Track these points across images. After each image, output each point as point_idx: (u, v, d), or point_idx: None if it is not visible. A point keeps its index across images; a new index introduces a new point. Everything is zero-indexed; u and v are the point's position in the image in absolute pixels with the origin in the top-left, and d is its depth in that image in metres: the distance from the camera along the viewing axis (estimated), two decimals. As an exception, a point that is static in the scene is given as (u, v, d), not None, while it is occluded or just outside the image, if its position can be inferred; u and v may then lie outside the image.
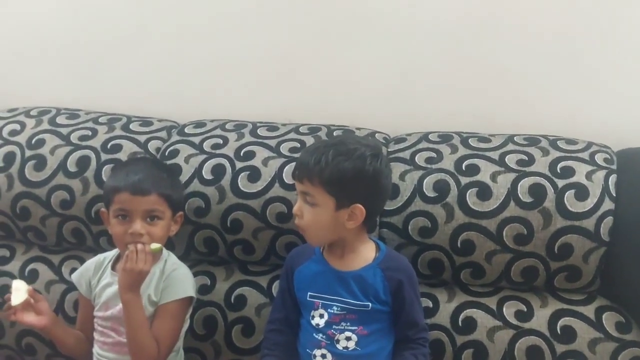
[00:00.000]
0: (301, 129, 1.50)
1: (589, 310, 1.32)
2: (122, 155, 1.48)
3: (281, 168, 1.41)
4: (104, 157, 1.48)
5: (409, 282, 1.26)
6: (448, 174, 1.36)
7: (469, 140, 1.42)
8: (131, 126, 1.55)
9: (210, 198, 1.41)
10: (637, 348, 1.28)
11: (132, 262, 1.23)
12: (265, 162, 1.42)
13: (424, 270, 1.37)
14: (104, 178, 1.45)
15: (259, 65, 1.59)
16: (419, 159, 1.40)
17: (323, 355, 1.24)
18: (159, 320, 1.29)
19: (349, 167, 1.19)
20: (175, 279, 1.31)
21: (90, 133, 1.53)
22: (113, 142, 1.50)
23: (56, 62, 1.69)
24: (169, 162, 1.46)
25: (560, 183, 1.31)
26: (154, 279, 1.31)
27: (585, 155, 1.36)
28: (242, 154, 1.44)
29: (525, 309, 1.33)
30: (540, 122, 1.46)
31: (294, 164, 1.39)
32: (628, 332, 1.29)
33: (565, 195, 1.30)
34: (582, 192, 1.30)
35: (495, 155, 1.37)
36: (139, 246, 1.24)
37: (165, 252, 1.36)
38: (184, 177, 1.43)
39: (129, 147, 1.50)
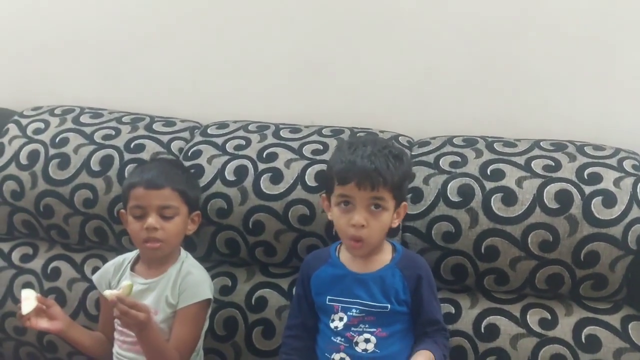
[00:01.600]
0: (324, 131, 1.49)
1: (614, 320, 1.30)
2: (145, 155, 1.48)
3: (304, 170, 1.40)
4: (127, 156, 1.48)
5: (427, 279, 1.25)
6: (472, 179, 1.34)
7: (494, 145, 1.40)
8: (154, 126, 1.55)
9: (233, 199, 1.41)
10: (664, 359, 1.26)
11: (127, 321, 1.21)
12: (287, 164, 1.42)
13: (447, 275, 1.36)
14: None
15: (282, 67, 1.59)
16: (443, 163, 1.39)
17: (342, 359, 1.23)
18: (178, 325, 1.29)
19: (405, 168, 1.25)
20: (193, 282, 1.31)
21: (113, 132, 1.53)
22: (136, 141, 1.51)
23: (81, 61, 1.70)
24: (191, 162, 1.46)
25: (587, 189, 1.30)
26: (171, 281, 1.31)
27: (613, 161, 1.34)
28: (264, 155, 1.44)
29: (550, 317, 1.31)
30: (567, 127, 1.44)
31: (317, 166, 1.40)
32: (655, 343, 1.28)
33: (592, 202, 1.29)
34: (609, 199, 1.28)
35: (520, 160, 1.36)
36: (120, 308, 1.18)
37: (183, 253, 1.36)
38: (206, 178, 1.43)
39: (151, 147, 1.50)
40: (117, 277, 1.36)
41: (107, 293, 1.21)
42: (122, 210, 1.35)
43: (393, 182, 1.19)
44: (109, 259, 1.45)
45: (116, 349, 1.34)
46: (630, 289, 1.30)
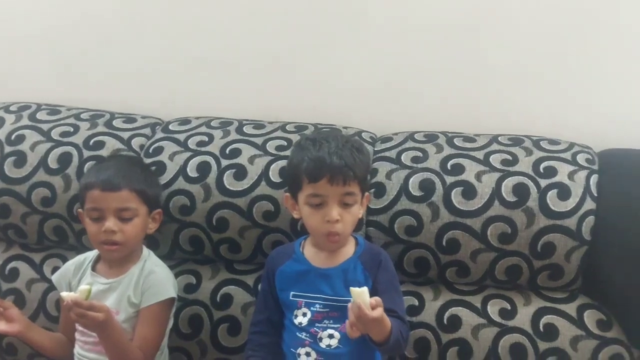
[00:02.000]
0: (288, 127, 1.49)
1: (571, 308, 1.34)
2: (105, 152, 1.46)
3: (268, 166, 1.40)
4: (86, 153, 1.46)
5: (386, 270, 1.26)
6: (433, 173, 1.37)
7: (454, 140, 1.43)
8: (114, 123, 1.53)
9: (196, 196, 1.40)
10: (618, 345, 1.31)
11: (84, 323, 1.19)
12: (251, 160, 1.42)
13: (410, 268, 1.38)
14: (87, 175, 1.44)
15: (246, 62, 1.58)
16: (405, 158, 1.40)
17: (307, 354, 1.24)
18: (142, 324, 1.28)
19: (367, 160, 1.29)
20: (155, 281, 1.30)
21: (72, 129, 1.50)
22: (95, 138, 1.48)
23: (37, 57, 1.66)
24: (152, 159, 1.44)
25: (543, 183, 1.34)
26: (133, 280, 1.29)
27: (567, 155, 1.38)
28: (227, 151, 1.43)
29: (509, 307, 1.35)
30: (525, 122, 1.48)
31: (281, 162, 1.40)
32: (609, 330, 1.32)
33: (548, 195, 1.32)
34: (564, 192, 1.33)
35: (480, 154, 1.39)
36: (77, 312, 1.16)
37: (145, 251, 1.34)
38: (168, 175, 1.42)
39: (111, 144, 1.47)
40: (77, 277, 1.34)
41: (64, 295, 1.18)
42: (80, 210, 1.32)
43: (360, 174, 1.22)
44: (69, 258, 1.42)
45: (77, 349, 1.32)
46: (585, 279, 1.35)
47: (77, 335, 1.32)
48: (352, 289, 1.12)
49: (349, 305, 1.13)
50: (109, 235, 1.25)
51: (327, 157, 1.19)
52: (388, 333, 1.15)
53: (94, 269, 1.33)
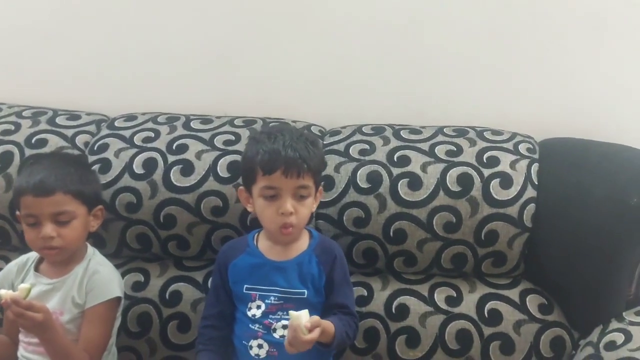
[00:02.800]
0: (236, 122, 1.49)
1: (514, 294, 1.38)
2: (48, 150, 1.42)
3: (215, 161, 1.40)
4: (27, 152, 1.42)
5: (340, 264, 1.28)
6: (380, 165, 1.38)
7: (401, 132, 1.45)
8: (57, 120, 1.50)
9: (142, 193, 1.39)
10: (559, 328, 1.35)
11: (23, 322, 1.17)
12: (198, 155, 1.41)
13: (359, 259, 1.39)
14: (29, 174, 1.40)
15: (193, 57, 1.57)
16: (353, 151, 1.42)
17: (259, 345, 1.25)
18: (87, 325, 1.26)
19: (321, 153, 1.30)
20: (100, 281, 1.27)
21: (13, 127, 1.46)
22: (38, 136, 1.45)
23: (-25, 53, 1.62)
24: (97, 156, 1.42)
25: (486, 172, 1.36)
26: (77, 280, 1.27)
27: (509, 145, 1.41)
28: (174, 147, 1.42)
29: (455, 295, 1.38)
30: (469, 114, 1.51)
31: (229, 157, 1.40)
32: (550, 313, 1.36)
33: (491, 184, 1.35)
34: (506, 181, 1.36)
35: (425, 146, 1.41)
36: (15, 310, 1.14)
37: (90, 250, 1.32)
38: (113, 172, 1.40)
39: (55, 142, 1.44)
40: (20, 277, 1.30)
41: (3, 292, 1.15)
42: (18, 213, 1.27)
43: (315, 167, 1.23)
44: (12, 259, 1.38)
45: (21, 351, 1.29)
46: (527, 265, 1.39)
47: (20, 337, 1.29)
48: (290, 312, 1.16)
49: (289, 323, 1.16)
50: (47, 242, 1.22)
51: (282, 150, 1.20)
52: (331, 338, 1.20)
53: (37, 269, 1.30)
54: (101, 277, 1.28)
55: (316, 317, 1.17)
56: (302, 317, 1.14)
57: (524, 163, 1.38)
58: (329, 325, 1.20)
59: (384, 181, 1.37)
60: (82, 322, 1.26)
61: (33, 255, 1.33)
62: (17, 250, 1.43)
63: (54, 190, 1.22)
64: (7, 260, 1.42)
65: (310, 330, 1.14)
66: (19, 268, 1.32)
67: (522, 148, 1.41)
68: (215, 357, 1.27)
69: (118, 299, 1.30)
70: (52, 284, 1.28)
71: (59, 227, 1.23)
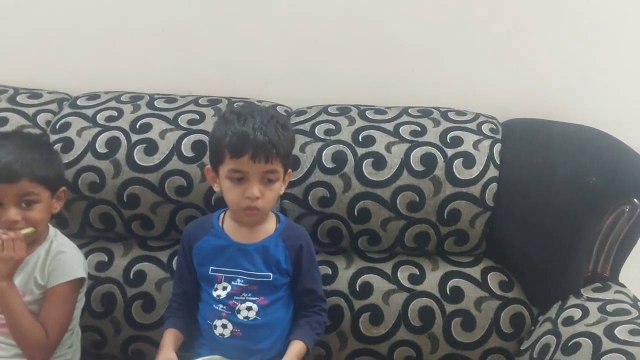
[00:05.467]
0: (201, 101, 1.47)
1: (475, 272, 1.40)
2: (9, 129, 1.40)
3: (179, 140, 1.39)
4: (-13, 131, 1.40)
5: (307, 250, 1.29)
6: (346, 145, 1.39)
7: (366, 113, 1.45)
8: (18, 98, 1.47)
9: (105, 172, 1.37)
10: (519, 305, 1.38)
11: (10, 251, 1.17)
12: (162, 134, 1.39)
13: (324, 238, 1.40)
14: (-12, 153, 1.38)
15: (157, 34, 1.54)
16: (319, 131, 1.42)
17: (224, 325, 1.25)
18: (48, 304, 1.25)
19: (292, 136, 1.27)
20: (63, 261, 1.26)
21: (-28, 106, 1.44)
22: (-2, 115, 1.42)
23: None
24: (59, 135, 1.40)
25: (450, 152, 1.38)
26: (39, 261, 1.25)
27: (473, 125, 1.43)
28: (138, 126, 1.41)
29: (418, 273, 1.40)
30: (434, 94, 1.51)
31: (193, 136, 1.39)
32: (510, 290, 1.39)
33: (454, 164, 1.37)
34: (469, 161, 1.37)
35: (390, 126, 1.42)
36: (10, 234, 1.17)
37: (52, 230, 1.30)
38: (76, 152, 1.38)
39: (15, 121, 1.42)
40: None
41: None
42: None
43: (284, 152, 1.21)
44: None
45: (-16, 331, 1.27)
46: (489, 243, 1.41)
47: None
48: None
49: None
50: (11, 225, 1.20)
51: (251, 133, 1.18)
52: (306, 350, 1.24)
53: None
54: (65, 258, 1.26)
55: None
56: None
57: (486, 143, 1.40)
58: (301, 348, 1.23)
59: (349, 161, 1.37)
60: (43, 301, 1.25)
61: None
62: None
63: (20, 177, 1.20)
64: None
65: None
66: None
67: (485, 128, 1.43)
68: (182, 322, 1.28)
69: (81, 279, 1.29)
70: None
71: (22, 210, 1.21)
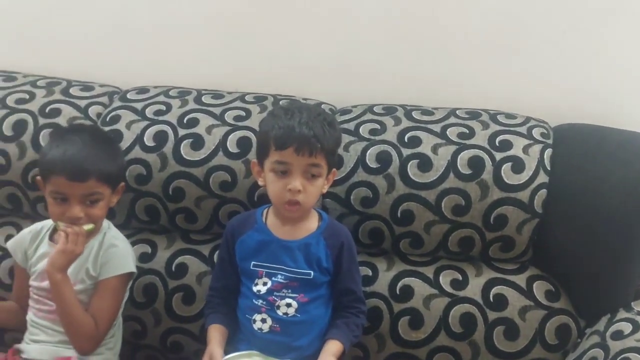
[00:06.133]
0: (247, 98, 1.48)
1: (520, 279, 1.36)
2: (62, 120, 1.44)
3: (225, 136, 1.40)
4: (41, 121, 1.44)
5: (348, 250, 1.28)
6: (390, 146, 1.37)
7: (412, 113, 1.43)
8: (71, 90, 1.51)
9: (152, 165, 1.39)
10: (565, 315, 1.34)
11: (72, 245, 1.20)
12: (209, 130, 1.41)
13: (365, 239, 1.39)
14: (42, 143, 1.42)
15: (205, 31, 1.56)
16: (363, 131, 1.41)
17: (263, 320, 1.25)
18: (98, 296, 1.27)
19: (338, 135, 1.27)
20: (115, 254, 1.28)
21: (27, 96, 1.48)
22: (52, 106, 1.46)
23: (-10, 23, 1.63)
24: (110, 127, 1.43)
25: (498, 156, 1.34)
26: (92, 253, 1.28)
27: (523, 129, 1.39)
28: (185, 121, 1.42)
29: (461, 278, 1.37)
30: (483, 96, 1.48)
31: (239, 132, 1.40)
32: (557, 301, 1.34)
33: (503, 168, 1.33)
34: (518, 165, 1.34)
35: (437, 127, 1.39)
36: (75, 228, 1.20)
37: (105, 223, 1.32)
38: (125, 144, 1.40)
39: (68, 112, 1.46)
40: (34, 246, 1.32)
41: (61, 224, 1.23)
42: (39, 178, 1.28)
43: (328, 148, 1.22)
44: (24, 226, 1.41)
45: (31, 316, 1.31)
46: (536, 251, 1.37)
47: (31, 303, 1.31)
48: None
49: None
50: (73, 221, 1.23)
51: (297, 127, 1.19)
52: (342, 351, 1.23)
53: (51, 238, 1.31)
54: (117, 251, 1.29)
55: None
56: None
57: (537, 148, 1.36)
58: (337, 348, 1.22)
59: (393, 161, 1.36)
60: (94, 293, 1.27)
61: (47, 224, 1.34)
62: (29, 218, 1.46)
63: (89, 177, 1.23)
64: (19, 228, 1.44)
65: None
66: (32, 236, 1.33)
67: (535, 133, 1.39)
68: (225, 318, 1.28)
69: (131, 274, 1.31)
70: None
71: (86, 207, 1.24)
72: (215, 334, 1.27)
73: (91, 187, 1.23)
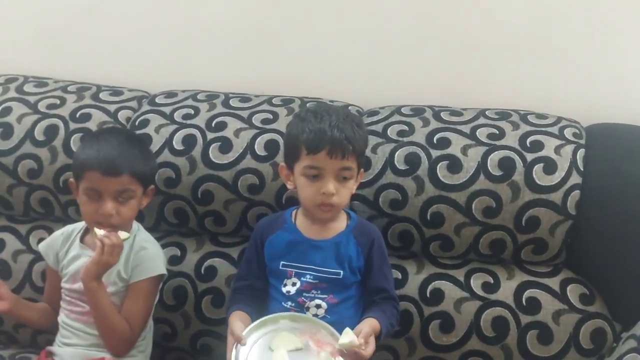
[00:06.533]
0: (274, 101, 1.48)
1: (554, 283, 1.34)
2: (92, 125, 1.46)
3: (253, 139, 1.40)
4: (72, 126, 1.46)
5: (379, 247, 1.27)
6: (419, 147, 1.36)
7: (441, 114, 1.42)
8: (101, 95, 1.53)
9: (181, 169, 1.40)
10: (600, 319, 1.31)
11: (108, 256, 1.21)
12: (237, 133, 1.41)
13: (394, 242, 1.38)
14: (73, 147, 1.44)
15: (232, 35, 1.57)
16: (391, 132, 1.40)
17: None
18: (130, 299, 1.28)
19: (365, 135, 1.28)
20: (146, 257, 1.29)
21: (58, 102, 1.50)
22: (82, 111, 1.48)
23: (24, 29, 1.65)
24: (139, 132, 1.44)
25: (530, 157, 1.32)
26: (123, 255, 1.28)
27: (554, 129, 1.37)
28: (213, 124, 1.43)
29: (492, 281, 1.35)
30: (512, 97, 1.46)
31: (266, 135, 1.40)
32: (591, 304, 1.32)
33: (534, 169, 1.31)
34: (550, 166, 1.32)
35: (466, 128, 1.38)
36: (112, 238, 1.21)
37: (135, 225, 1.33)
38: (154, 147, 1.41)
39: (98, 117, 1.47)
40: (65, 248, 1.34)
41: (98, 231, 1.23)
42: (72, 180, 1.30)
43: (359, 149, 1.22)
44: (55, 230, 1.43)
45: (63, 318, 1.32)
46: (569, 253, 1.34)
47: (63, 304, 1.32)
48: (340, 342, 1.15)
49: (345, 348, 1.14)
50: (105, 218, 1.24)
51: (328, 130, 1.19)
52: (379, 334, 1.20)
53: (82, 240, 1.33)
54: (148, 254, 1.29)
55: (365, 330, 1.16)
56: (353, 340, 1.13)
57: (569, 148, 1.34)
58: (375, 325, 1.19)
59: (422, 163, 1.34)
60: (126, 296, 1.28)
61: (79, 226, 1.36)
62: (60, 221, 1.48)
63: (122, 172, 1.24)
64: (50, 230, 1.46)
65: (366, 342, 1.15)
66: (64, 238, 1.35)
67: (567, 133, 1.36)
68: (248, 308, 1.26)
69: (162, 276, 1.32)
70: None
71: (118, 204, 1.25)
72: (236, 317, 1.23)
73: (124, 184, 1.25)
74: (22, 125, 1.46)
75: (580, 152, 1.34)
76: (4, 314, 1.34)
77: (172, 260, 1.42)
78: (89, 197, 1.25)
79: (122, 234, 1.24)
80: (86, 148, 1.29)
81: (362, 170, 1.27)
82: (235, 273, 1.39)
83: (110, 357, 1.27)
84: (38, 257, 1.43)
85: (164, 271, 1.32)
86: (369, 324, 1.19)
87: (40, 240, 1.42)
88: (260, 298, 1.29)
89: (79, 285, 1.29)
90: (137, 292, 1.28)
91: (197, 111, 1.46)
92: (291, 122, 1.28)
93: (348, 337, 1.14)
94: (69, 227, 1.37)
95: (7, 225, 1.50)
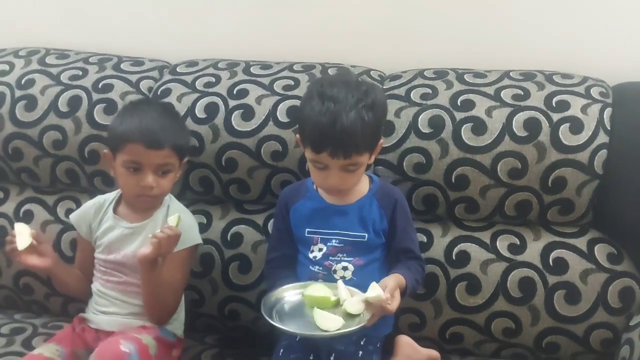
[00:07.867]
0: (295, 67, 1.47)
1: (581, 243, 1.33)
2: (114, 95, 1.46)
3: (275, 106, 1.40)
4: (95, 96, 1.46)
5: (402, 208, 1.28)
6: (443, 110, 1.35)
7: (465, 76, 1.40)
8: (122, 66, 1.53)
9: (204, 137, 1.40)
10: (628, 278, 1.30)
11: (166, 248, 1.21)
12: (258, 100, 1.41)
13: (419, 206, 1.38)
14: (96, 118, 1.44)
15: (251, 2, 1.55)
16: (414, 96, 1.38)
17: None
18: (170, 269, 1.27)
19: (380, 115, 1.22)
20: (183, 228, 1.27)
21: (80, 73, 1.50)
22: (104, 81, 1.48)
23: (44, 2, 1.65)
24: (161, 101, 1.44)
25: (555, 117, 1.31)
26: (158, 226, 1.29)
27: (580, 89, 1.35)
28: (235, 92, 1.43)
29: (519, 242, 1.35)
30: (537, 57, 1.44)
31: (288, 101, 1.39)
32: (619, 263, 1.31)
33: (560, 129, 1.30)
34: (577, 126, 1.30)
35: (490, 90, 1.36)
36: (167, 231, 1.20)
37: (167, 195, 1.33)
38: (177, 116, 1.42)
39: (120, 87, 1.48)
40: (98, 219, 1.34)
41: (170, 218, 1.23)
42: (107, 152, 1.30)
43: (367, 143, 1.19)
44: (82, 200, 1.45)
45: (98, 286, 1.33)
46: (596, 213, 1.33)
47: (97, 274, 1.33)
48: (367, 296, 1.15)
49: (371, 301, 1.14)
50: (146, 191, 1.25)
51: (329, 130, 1.15)
52: (404, 289, 1.20)
53: (115, 211, 1.33)
54: (184, 224, 1.28)
55: (391, 285, 1.16)
56: (380, 294, 1.14)
57: (596, 107, 1.32)
58: (401, 280, 1.19)
59: (446, 126, 1.33)
60: (164, 266, 1.26)
61: (110, 197, 1.36)
62: (86, 192, 1.49)
63: (164, 145, 1.25)
64: (77, 201, 1.48)
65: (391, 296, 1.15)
66: (96, 209, 1.35)
67: (594, 92, 1.34)
68: (288, 280, 1.26)
69: (197, 244, 1.33)
70: (132, 228, 1.30)
71: (158, 177, 1.26)
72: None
73: (165, 157, 1.25)
74: (46, 97, 1.47)
75: (607, 111, 1.32)
76: (45, 272, 1.34)
77: (199, 228, 1.40)
78: (128, 169, 1.25)
79: (173, 220, 1.23)
80: (125, 120, 1.28)
81: (380, 141, 1.24)
82: (261, 240, 1.40)
83: (151, 325, 1.29)
84: (66, 227, 1.45)
85: (200, 240, 1.33)
86: (395, 279, 1.19)
87: (68, 211, 1.44)
88: (293, 267, 1.30)
89: (114, 256, 1.30)
90: (176, 262, 1.28)
91: (218, 79, 1.46)
92: (302, 102, 1.24)
93: (375, 291, 1.14)
94: (100, 198, 1.37)
95: (34, 196, 1.52)
